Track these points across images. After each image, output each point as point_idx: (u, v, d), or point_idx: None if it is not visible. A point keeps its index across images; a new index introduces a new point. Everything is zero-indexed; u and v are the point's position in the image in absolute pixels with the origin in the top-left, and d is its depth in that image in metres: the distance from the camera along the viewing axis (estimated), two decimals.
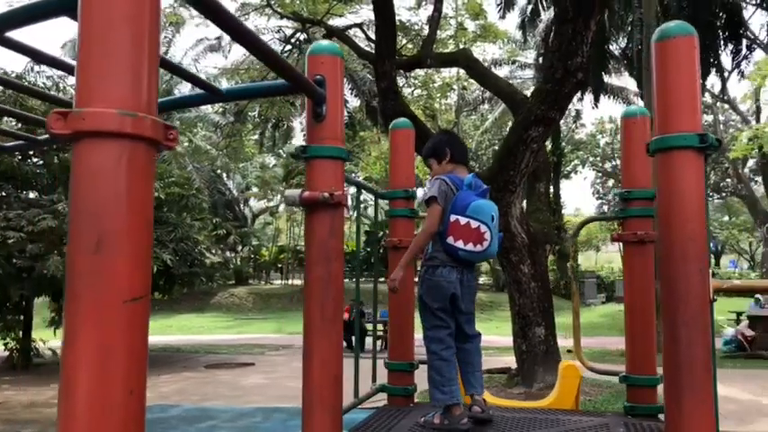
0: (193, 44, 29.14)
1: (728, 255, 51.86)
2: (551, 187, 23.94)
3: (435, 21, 12.30)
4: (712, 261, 45.78)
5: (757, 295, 21.47)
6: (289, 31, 18.95)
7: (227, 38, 26.02)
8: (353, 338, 16.23)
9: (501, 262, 9.79)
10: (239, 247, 31.96)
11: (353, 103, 26.93)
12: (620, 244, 3.05)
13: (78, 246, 1.05)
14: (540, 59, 22.62)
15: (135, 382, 1.07)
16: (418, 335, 3.13)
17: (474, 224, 2.77)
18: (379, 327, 16.71)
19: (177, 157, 21.35)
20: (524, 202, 12.28)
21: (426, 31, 13.34)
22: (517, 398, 9.35)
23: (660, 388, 2.87)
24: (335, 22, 17.79)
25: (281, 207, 35.89)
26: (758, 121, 32.50)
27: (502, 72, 29.30)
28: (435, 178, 2.93)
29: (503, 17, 22.43)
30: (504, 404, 3.36)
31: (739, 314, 18.64)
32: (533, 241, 9.45)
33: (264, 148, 29.58)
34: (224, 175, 33.25)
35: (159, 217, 14.09)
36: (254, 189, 35.26)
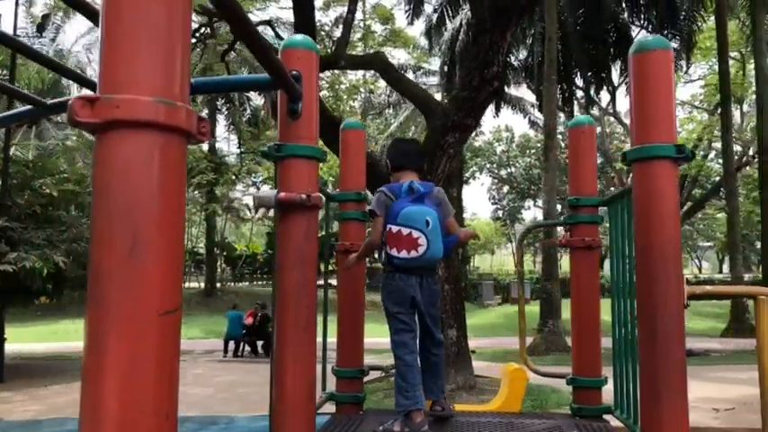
0: (86, 31, 27.54)
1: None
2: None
3: (349, 22, 12.27)
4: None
5: None
6: (193, 25, 18.28)
7: None
8: (259, 344, 15.90)
9: None
10: None
11: (257, 101, 26.44)
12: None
13: (109, 248, 0.91)
14: (446, 67, 23.11)
15: (168, 406, 0.94)
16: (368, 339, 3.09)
17: (405, 231, 2.79)
18: None
19: (68, 152, 20.01)
20: None
21: (336, 32, 13.32)
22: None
23: (605, 389, 2.99)
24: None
25: None
26: None
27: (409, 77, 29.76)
28: (377, 191, 2.97)
29: (411, 23, 22.78)
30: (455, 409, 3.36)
31: None
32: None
33: None
34: None
35: (50, 216, 13.15)
36: None
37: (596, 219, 3.04)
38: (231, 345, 15.66)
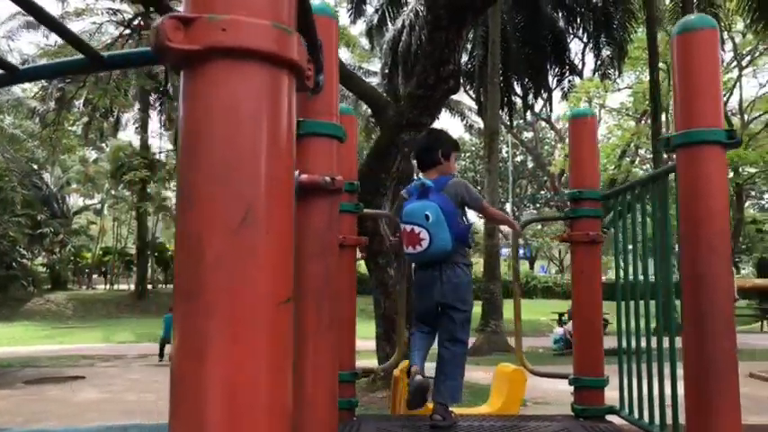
0: (7, 18, 25.96)
1: (540, 260, 56.63)
2: None
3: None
4: (527, 266, 49.89)
5: None
6: (128, 15, 17.49)
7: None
8: None
9: (368, 265, 9.70)
10: (57, 248, 28.87)
11: None
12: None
13: (211, 219, 0.69)
14: (387, 68, 23.03)
15: (279, 422, 0.72)
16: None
17: (408, 228, 2.89)
18: None
19: None
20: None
21: None
22: (381, 402, 9.31)
23: (606, 390, 2.90)
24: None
25: (107, 205, 33.12)
26: None
27: None
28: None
29: (353, 22, 22.62)
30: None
31: (561, 315, 20.25)
32: (401, 244, 9.47)
33: (88, 139, 27.10)
34: (37, 166, 29.90)
35: None
36: (75, 185, 32.16)
37: (599, 212, 2.94)
38: (167, 348, 15.02)
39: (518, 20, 21.14)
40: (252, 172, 0.70)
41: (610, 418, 2.84)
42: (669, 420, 2.34)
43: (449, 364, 2.87)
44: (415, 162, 3.39)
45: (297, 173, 1.78)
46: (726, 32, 24.77)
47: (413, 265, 3.13)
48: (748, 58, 29.08)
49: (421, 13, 21.93)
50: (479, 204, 3.06)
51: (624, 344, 2.75)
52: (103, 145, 30.57)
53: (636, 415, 2.60)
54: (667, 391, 2.39)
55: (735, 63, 29.24)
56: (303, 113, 1.86)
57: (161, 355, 14.86)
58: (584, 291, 2.92)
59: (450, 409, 2.79)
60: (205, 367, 0.68)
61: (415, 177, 3.11)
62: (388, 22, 23.65)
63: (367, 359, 14.65)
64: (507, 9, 21.04)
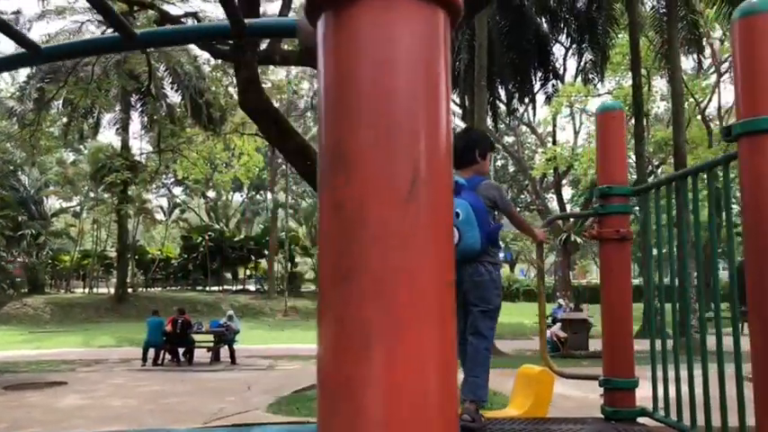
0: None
1: (520, 264, 56.93)
2: None
3: (285, 16, 11.85)
4: (508, 269, 50.08)
5: (559, 300, 23.80)
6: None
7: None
8: (180, 351, 15.02)
9: None
10: (35, 251, 28.26)
11: (174, 98, 25.27)
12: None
13: (375, 184, 0.58)
14: None
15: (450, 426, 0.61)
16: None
17: None
18: (209, 338, 15.63)
19: None
20: None
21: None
22: None
23: (637, 391, 2.82)
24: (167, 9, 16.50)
25: (86, 207, 32.50)
26: (554, 143, 36.19)
27: None
28: None
29: None
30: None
31: (546, 317, 20.27)
32: None
33: (67, 140, 26.60)
34: (14, 167, 29.25)
35: None
36: (53, 187, 31.56)
37: (628, 208, 2.87)
38: (151, 353, 14.74)
39: (502, 24, 21.18)
40: (415, 129, 0.60)
41: (641, 420, 2.76)
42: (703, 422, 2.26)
43: (472, 360, 2.80)
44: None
45: None
46: (705, 39, 25.11)
47: None
48: (726, 64, 29.52)
49: None
50: (510, 210, 3.06)
51: (658, 345, 2.67)
52: (81, 147, 30.03)
53: (674, 417, 2.52)
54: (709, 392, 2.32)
55: (713, 69, 29.69)
56: None
57: (144, 359, 14.57)
58: (614, 290, 2.84)
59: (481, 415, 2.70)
60: (370, 360, 0.57)
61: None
62: None
63: None
64: (492, 13, 21.08)
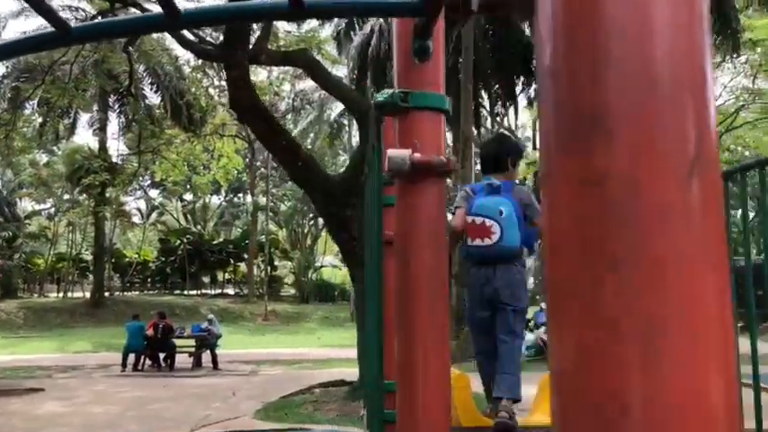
0: None
1: None
2: None
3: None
4: None
5: (542, 304, 23.85)
6: (92, 10, 16.85)
7: None
8: (162, 356, 14.70)
9: (352, 272, 9.43)
10: (6, 254, 27.54)
11: (153, 99, 24.88)
12: None
13: (652, 156, 0.45)
14: (355, 73, 22.84)
15: None
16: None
17: (479, 220, 2.86)
18: (190, 342, 15.32)
19: None
20: None
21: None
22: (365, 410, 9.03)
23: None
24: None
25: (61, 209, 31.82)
26: (534, 148, 36.37)
27: (311, 84, 29.28)
28: (460, 188, 3.33)
29: (321, 24, 22.38)
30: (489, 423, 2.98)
31: (528, 320, 20.28)
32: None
33: (42, 141, 26.02)
34: None
35: None
36: (26, 188, 30.87)
37: None
38: (131, 358, 14.43)
39: (487, 28, 21.22)
40: (698, 89, 0.47)
41: None
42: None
43: (507, 358, 2.75)
44: (479, 165, 3.41)
45: (409, 152, 1.54)
46: None
47: (467, 265, 3.06)
48: None
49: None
50: (537, 213, 3.10)
51: None
52: (55, 148, 29.41)
53: None
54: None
55: None
56: (407, 84, 1.62)
57: (124, 365, 14.25)
58: None
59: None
60: (649, 369, 0.44)
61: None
62: (356, 28, 23.49)
63: (342, 368, 14.34)
64: (477, 17, 21.10)
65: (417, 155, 1.53)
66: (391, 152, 1.52)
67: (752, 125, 30.88)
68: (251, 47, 10.67)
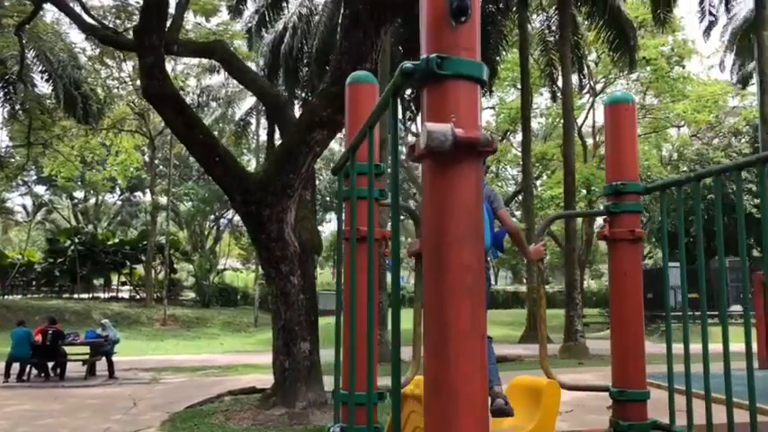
0: None
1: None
2: None
3: (183, 4, 11.08)
4: None
5: None
6: None
7: None
8: (50, 365, 13.54)
9: (268, 272, 9.02)
10: None
11: (44, 88, 23.10)
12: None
13: None
14: (265, 70, 22.26)
15: None
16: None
17: None
18: (84, 350, 14.20)
19: None
20: None
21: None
22: (279, 420, 8.62)
23: (649, 403, 2.63)
24: None
25: None
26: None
27: (218, 79, 28.31)
28: None
29: (233, 18, 21.68)
30: None
31: None
32: (304, 251, 8.92)
33: None
34: None
35: None
36: None
37: (641, 207, 2.69)
38: (15, 367, 13.20)
39: (402, 31, 21.29)
40: None
41: None
42: None
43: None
44: None
45: (450, 126, 1.29)
46: (583, 60, 26.67)
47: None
48: (600, 84, 31.58)
49: (307, 16, 21.49)
50: (500, 208, 3.08)
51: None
52: None
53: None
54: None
55: (587, 89, 31.62)
56: (441, 48, 1.38)
57: (6, 375, 13.00)
58: (628, 295, 2.64)
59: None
60: None
61: None
62: (268, 25, 22.90)
63: (250, 374, 13.80)
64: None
65: (460, 130, 1.29)
66: (431, 126, 1.27)
67: (642, 139, 32.95)
68: None
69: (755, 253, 23.65)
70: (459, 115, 1.34)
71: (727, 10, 20.93)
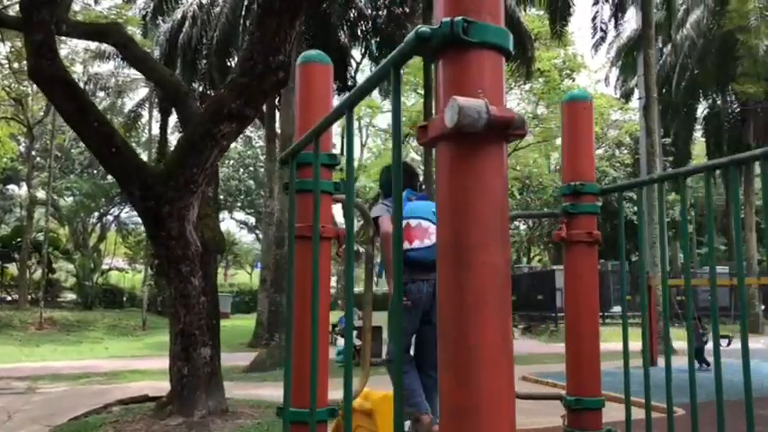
0: None
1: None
2: None
3: None
4: None
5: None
6: None
7: None
8: None
9: (167, 273, 8.42)
10: None
11: None
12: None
13: None
14: (163, 60, 21.16)
15: None
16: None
17: (414, 222, 2.82)
18: None
19: None
20: None
21: None
22: (176, 429, 8.09)
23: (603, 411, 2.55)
24: None
25: None
26: (342, 154, 36.81)
27: (108, 67, 26.69)
28: (375, 204, 3.29)
29: (127, 2, 20.47)
30: None
31: (334, 326, 20.19)
32: (206, 250, 8.42)
33: None
34: None
35: None
36: None
37: (597, 209, 2.61)
38: None
39: (306, 29, 20.94)
40: None
41: None
42: None
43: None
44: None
45: (484, 103, 1.08)
46: None
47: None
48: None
49: (208, 6, 20.63)
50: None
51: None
52: None
53: None
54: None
55: None
56: (458, 13, 1.16)
57: None
58: (583, 299, 2.54)
59: None
60: None
61: None
62: (165, 13, 21.79)
63: (140, 381, 12.98)
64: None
65: (494, 108, 1.08)
66: (462, 101, 1.05)
67: (533, 148, 34.45)
68: None
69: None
70: (486, 91, 1.13)
71: (617, 26, 22.21)
